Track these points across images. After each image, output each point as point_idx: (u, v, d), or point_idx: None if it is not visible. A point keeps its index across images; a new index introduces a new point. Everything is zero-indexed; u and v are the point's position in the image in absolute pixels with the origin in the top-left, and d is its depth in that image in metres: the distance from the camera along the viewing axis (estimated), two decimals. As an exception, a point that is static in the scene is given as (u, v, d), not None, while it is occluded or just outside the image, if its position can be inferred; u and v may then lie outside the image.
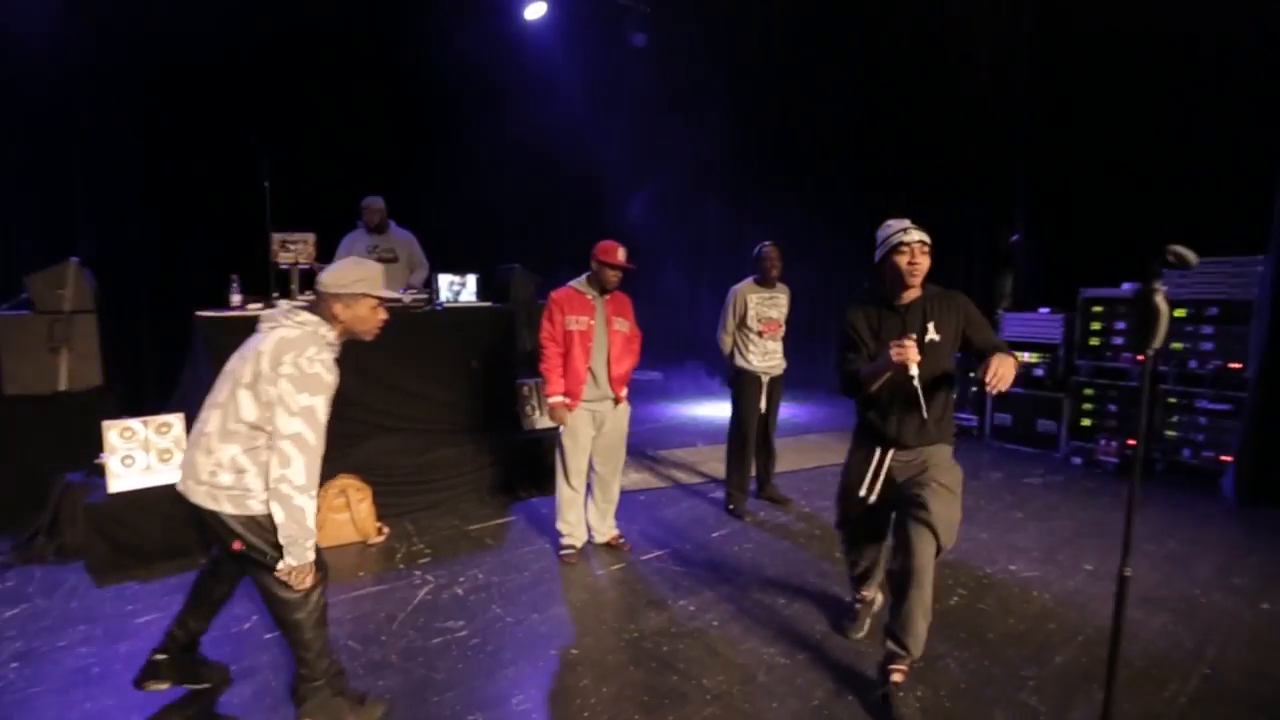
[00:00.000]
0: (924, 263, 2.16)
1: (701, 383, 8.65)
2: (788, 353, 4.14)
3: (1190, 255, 1.46)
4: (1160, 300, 1.48)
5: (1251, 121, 4.74)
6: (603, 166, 8.47)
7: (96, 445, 3.23)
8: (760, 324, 3.94)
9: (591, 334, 3.19)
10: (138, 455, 3.25)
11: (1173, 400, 4.86)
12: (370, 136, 6.74)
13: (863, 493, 2.31)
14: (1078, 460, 5.29)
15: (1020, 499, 4.41)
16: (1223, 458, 4.58)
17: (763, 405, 4.01)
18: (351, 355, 3.74)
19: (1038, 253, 6.21)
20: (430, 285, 4.56)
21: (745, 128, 8.71)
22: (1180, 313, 4.81)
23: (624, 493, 4.39)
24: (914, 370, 2.05)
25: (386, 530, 3.65)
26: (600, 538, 3.50)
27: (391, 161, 6.83)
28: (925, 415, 2.19)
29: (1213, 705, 2.22)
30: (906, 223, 2.19)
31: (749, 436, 4.03)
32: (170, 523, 3.16)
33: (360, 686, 2.22)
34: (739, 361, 4.02)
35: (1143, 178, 5.36)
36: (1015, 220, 6.41)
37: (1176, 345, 4.86)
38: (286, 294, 3.74)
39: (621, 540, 3.50)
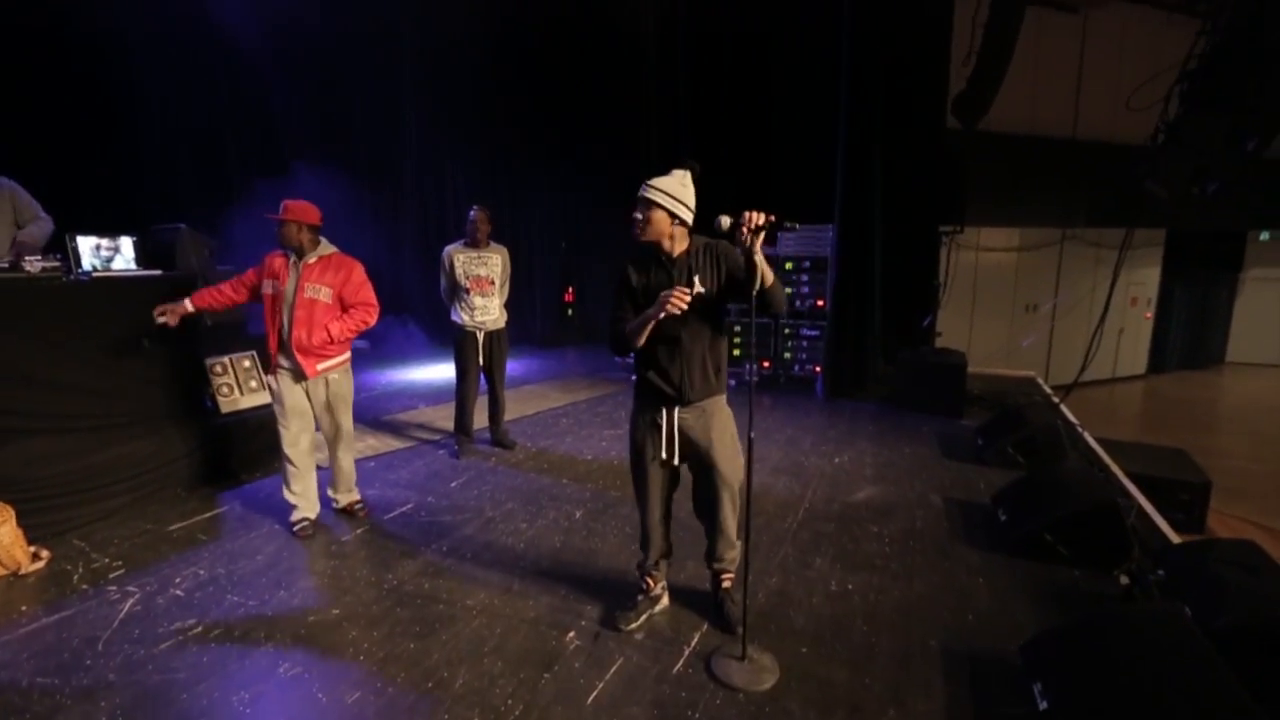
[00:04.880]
0: (640, 218, 2.19)
1: (417, 344, 8.47)
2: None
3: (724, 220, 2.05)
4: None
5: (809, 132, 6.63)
6: (286, 115, 7.43)
7: None
8: (468, 281, 4.23)
9: (282, 299, 3.09)
10: None
11: (787, 331, 6.64)
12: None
13: (664, 455, 2.32)
14: (732, 383, 6.84)
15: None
16: (816, 369, 6.48)
17: (482, 359, 4.34)
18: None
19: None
20: (63, 251, 3.65)
21: (442, 83, 8.52)
22: (789, 265, 6.54)
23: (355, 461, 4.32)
24: (679, 309, 2.04)
25: (46, 554, 3.01)
26: (338, 504, 3.47)
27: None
28: (705, 367, 2.27)
29: (810, 523, 3.40)
30: (651, 181, 2.20)
31: (463, 386, 4.38)
32: None
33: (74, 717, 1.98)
34: (454, 318, 4.32)
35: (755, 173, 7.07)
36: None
37: (788, 290, 6.62)
38: None
39: (359, 505, 3.51)
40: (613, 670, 2.23)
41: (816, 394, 6.34)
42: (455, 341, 4.34)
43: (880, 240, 6.57)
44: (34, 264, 3.30)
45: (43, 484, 3.16)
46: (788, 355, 6.67)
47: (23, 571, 2.89)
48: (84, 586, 2.77)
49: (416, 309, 8.43)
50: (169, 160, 6.68)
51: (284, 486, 3.25)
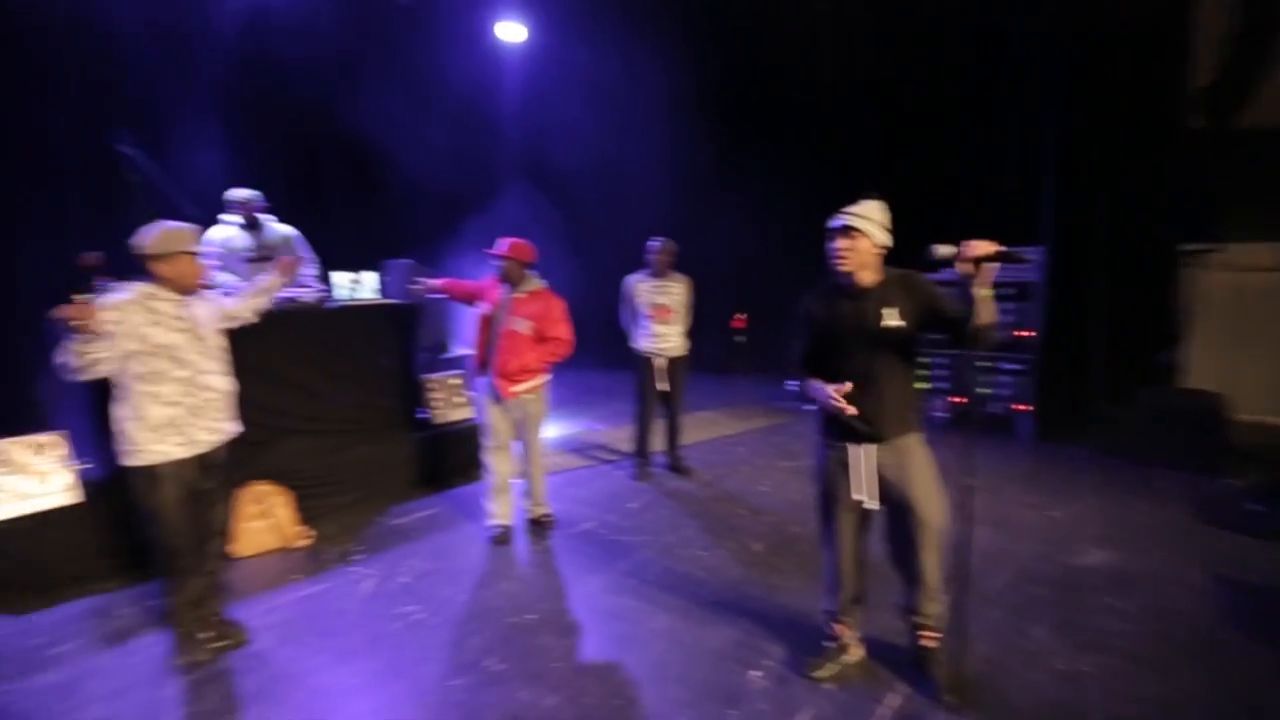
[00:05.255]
0: (846, 246, 2.09)
1: (599, 369, 8.91)
2: None
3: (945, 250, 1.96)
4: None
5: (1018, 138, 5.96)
6: (497, 161, 8.44)
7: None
8: (650, 309, 4.38)
9: (492, 325, 3.43)
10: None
11: (985, 364, 5.98)
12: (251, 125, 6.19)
13: (859, 497, 2.17)
14: (917, 417, 6.31)
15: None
16: (1016, 406, 5.75)
17: (662, 385, 4.45)
18: (254, 356, 3.66)
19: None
20: (325, 283, 4.43)
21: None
22: (988, 293, 5.91)
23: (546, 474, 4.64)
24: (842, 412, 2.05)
25: (311, 533, 3.61)
26: (530, 515, 3.74)
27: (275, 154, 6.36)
28: (899, 403, 2.15)
29: (1022, 585, 2.99)
30: (848, 208, 2.13)
31: (643, 411, 4.52)
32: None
33: (327, 675, 2.34)
34: (635, 344, 4.49)
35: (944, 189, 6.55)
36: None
37: (985, 318, 5.98)
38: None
39: (548, 517, 3.75)
40: (800, 718, 2.13)
41: (1019, 436, 5.62)
42: (636, 367, 4.52)
43: (1103, 262, 5.71)
44: (305, 294, 4.03)
45: (307, 474, 3.81)
46: (985, 391, 6.00)
47: (293, 546, 3.50)
48: (334, 565, 3.28)
49: (599, 335, 8.94)
50: (405, 205, 7.85)
51: (485, 494, 3.59)
